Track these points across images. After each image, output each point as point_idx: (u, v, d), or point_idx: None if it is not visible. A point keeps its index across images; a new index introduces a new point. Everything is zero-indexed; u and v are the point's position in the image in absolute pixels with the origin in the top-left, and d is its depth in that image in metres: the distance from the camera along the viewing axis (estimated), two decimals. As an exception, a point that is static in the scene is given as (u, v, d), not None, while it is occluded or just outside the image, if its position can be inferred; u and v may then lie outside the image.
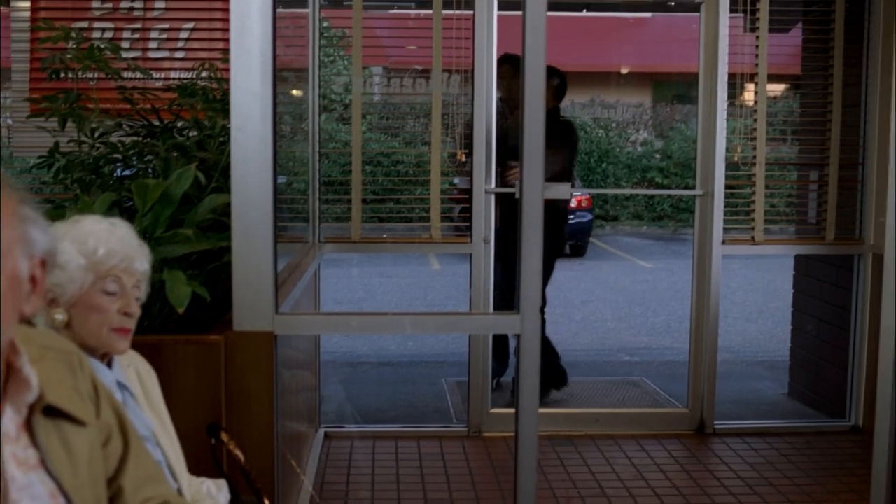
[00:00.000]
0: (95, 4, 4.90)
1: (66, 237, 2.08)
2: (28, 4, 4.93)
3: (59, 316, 2.09)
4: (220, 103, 3.56)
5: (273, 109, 2.80)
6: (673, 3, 5.56)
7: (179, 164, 3.11)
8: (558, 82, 5.83)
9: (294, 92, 4.64)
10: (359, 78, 5.11)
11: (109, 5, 4.89)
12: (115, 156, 3.25)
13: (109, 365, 2.18)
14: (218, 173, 3.23)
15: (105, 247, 2.10)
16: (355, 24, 5.06)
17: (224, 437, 2.68)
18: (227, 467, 2.72)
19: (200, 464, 2.55)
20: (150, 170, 3.35)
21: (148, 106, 3.66)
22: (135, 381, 2.24)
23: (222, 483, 2.49)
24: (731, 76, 5.15)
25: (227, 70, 2.93)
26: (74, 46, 3.33)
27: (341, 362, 7.40)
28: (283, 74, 3.68)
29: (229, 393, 2.86)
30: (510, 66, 5.45)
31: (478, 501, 4.37)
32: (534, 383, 2.92)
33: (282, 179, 4.01)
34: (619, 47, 20.09)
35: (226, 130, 3.36)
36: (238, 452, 2.64)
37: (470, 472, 4.74)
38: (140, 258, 2.19)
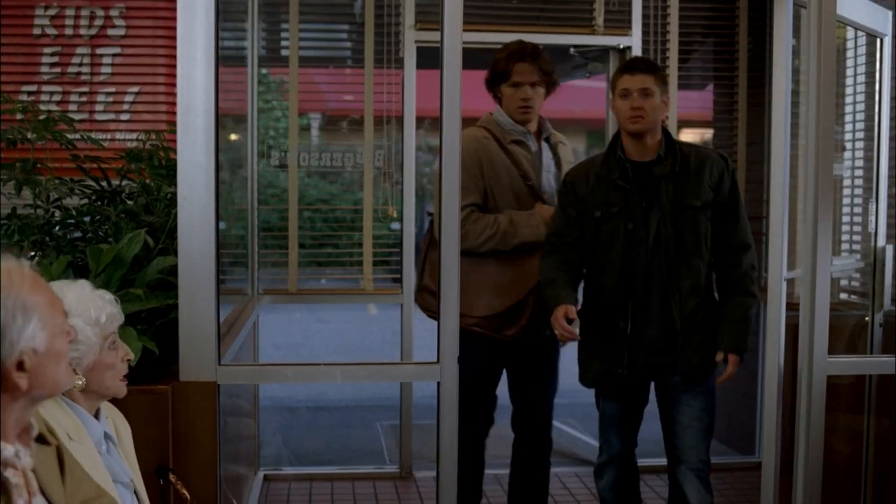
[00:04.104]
0: (45, 69, 5.16)
1: (72, 314, 2.34)
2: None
3: (80, 381, 2.35)
4: (164, 170, 3.85)
5: (216, 180, 3.10)
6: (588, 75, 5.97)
7: (129, 229, 3.39)
8: None
9: (232, 137, 4.91)
10: (295, 124, 5.43)
11: (58, 70, 5.16)
12: (70, 221, 3.52)
13: (97, 417, 2.46)
14: (164, 235, 3.51)
15: (103, 313, 2.39)
16: (291, 74, 5.40)
17: (172, 477, 2.95)
18: (174, 506, 2.99)
19: (150, 503, 2.82)
20: (100, 232, 3.61)
21: (96, 166, 3.93)
22: (113, 432, 2.52)
23: (171, 520, 2.77)
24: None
25: (171, 138, 3.24)
26: (31, 120, 3.60)
27: (280, 407, 7.62)
28: (224, 121, 3.92)
29: (176, 438, 3.12)
30: None
31: (408, 537, 4.66)
32: (453, 426, 3.23)
33: (223, 225, 4.28)
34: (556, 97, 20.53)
35: (170, 195, 3.65)
36: (185, 492, 2.92)
37: (401, 510, 5.02)
38: (119, 311, 2.49)
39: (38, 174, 3.63)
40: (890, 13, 4.39)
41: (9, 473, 1.71)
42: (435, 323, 4.27)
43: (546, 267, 3.74)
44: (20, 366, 1.70)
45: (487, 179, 3.93)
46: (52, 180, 3.56)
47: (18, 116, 3.74)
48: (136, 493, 2.49)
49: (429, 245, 4.09)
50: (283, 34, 5.74)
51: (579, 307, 3.67)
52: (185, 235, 3.08)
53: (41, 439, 1.85)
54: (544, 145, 4.15)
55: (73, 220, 3.55)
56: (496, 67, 4.04)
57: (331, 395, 8.22)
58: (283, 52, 5.68)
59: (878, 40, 4.38)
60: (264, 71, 6.04)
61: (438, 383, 3.24)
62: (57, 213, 3.60)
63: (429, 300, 4.02)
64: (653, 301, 3.62)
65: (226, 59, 4.25)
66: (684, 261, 3.59)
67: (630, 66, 3.67)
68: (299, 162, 5.43)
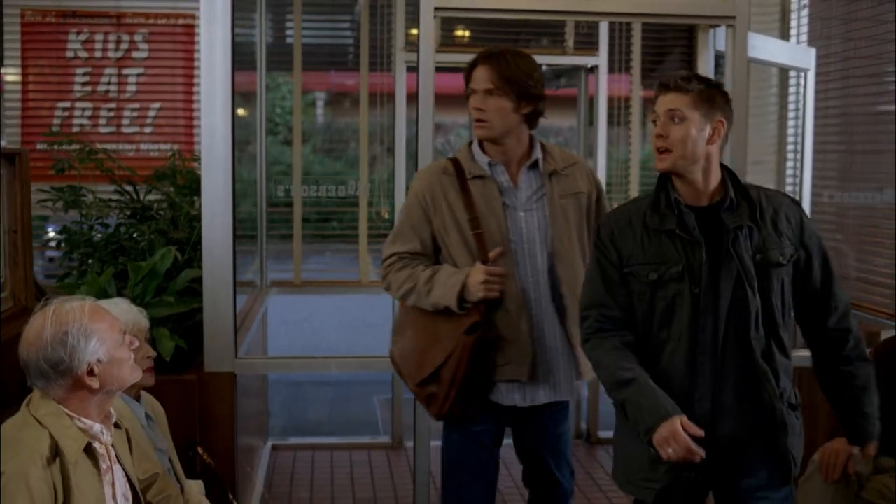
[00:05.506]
0: (77, 87, 5.85)
1: None
2: (19, 77, 5.85)
3: None
4: (187, 189, 4.55)
5: (233, 211, 3.79)
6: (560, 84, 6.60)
7: (160, 244, 4.10)
8: None
9: (240, 112, 5.51)
10: (298, 102, 6.11)
11: (89, 88, 5.85)
12: (114, 239, 4.24)
13: (138, 400, 3.16)
14: (189, 248, 4.21)
15: (121, 320, 3.09)
16: (295, 74, 6.07)
17: (199, 449, 3.67)
18: (200, 472, 3.70)
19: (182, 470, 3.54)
20: (134, 244, 4.31)
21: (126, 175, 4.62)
22: (152, 413, 3.24)
23: (199, 483, 3.49)
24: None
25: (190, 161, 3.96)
26: (76, 150, 4.32)
27: (286, 382, 8.29)
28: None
29: (202, 417, 3.84)
30: None
31: (397, 500, 5.34)
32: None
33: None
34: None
35: (193, 212, 4.36)
36: (210, 460, 3.64)
37: (392, 477, 5.68)
38: (141, 318, 3.18)
39: (83, 195, 4.33)
40: (813, 50, 5.05)
41: (96, 445, 2.43)
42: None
43: (605, 357, 2.77)
44: (90, 372, 2.41)
45: (436, 226, 3.22)
46: (95, 202, 4.27)
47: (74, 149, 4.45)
48: (170, 460, 3.21)
49: None
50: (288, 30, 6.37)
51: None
52: (208, 252, 3.79)
53: (116, 425, 2.57)
54: (529, 175, 3.24)
55: (115, 240, 4.26)
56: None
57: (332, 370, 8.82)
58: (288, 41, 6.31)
59: (803, 74, 5.05)
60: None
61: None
62: (99, 229, 4.31)
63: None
64: (728, 385, 2.71)
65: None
66: (773, 333, 2.73)
67: (660, 83, 2.76)
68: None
